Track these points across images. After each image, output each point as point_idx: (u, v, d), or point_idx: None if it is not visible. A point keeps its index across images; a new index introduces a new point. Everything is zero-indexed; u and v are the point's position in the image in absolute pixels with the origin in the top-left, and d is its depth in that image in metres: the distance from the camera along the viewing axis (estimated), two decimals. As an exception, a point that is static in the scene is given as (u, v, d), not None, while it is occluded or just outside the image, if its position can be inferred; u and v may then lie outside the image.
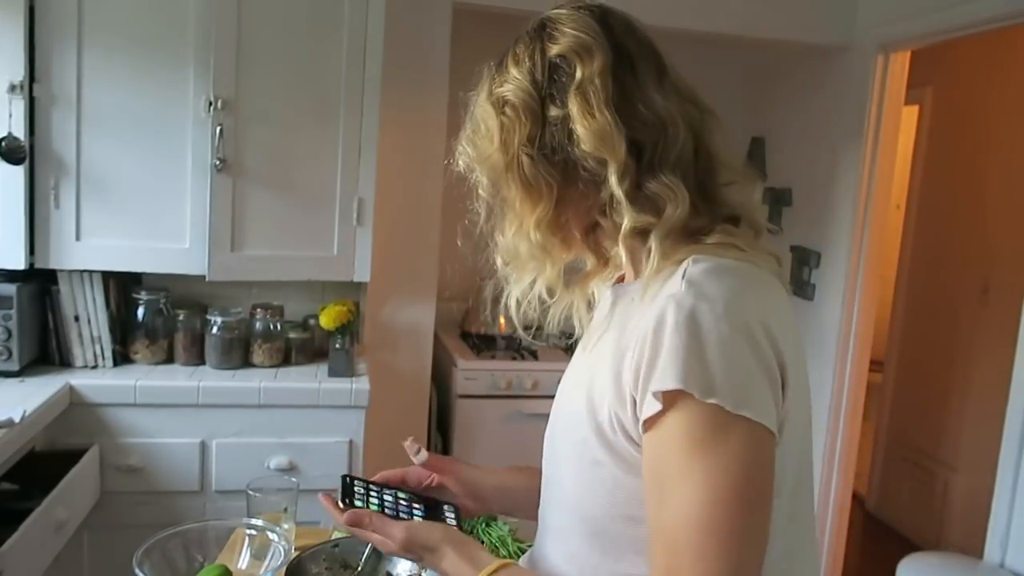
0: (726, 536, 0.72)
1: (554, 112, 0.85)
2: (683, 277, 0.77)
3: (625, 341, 0.81)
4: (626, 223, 0.84)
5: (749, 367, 0.74)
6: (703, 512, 0.72)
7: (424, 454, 1.09)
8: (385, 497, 1.02)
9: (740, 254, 0.82)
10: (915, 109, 3.81)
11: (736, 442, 0.73)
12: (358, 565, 1.22)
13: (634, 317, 0.82)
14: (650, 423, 0.76)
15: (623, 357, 0.80)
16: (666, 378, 0.73)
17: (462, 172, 0.93)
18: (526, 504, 1.07)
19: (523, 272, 0.94)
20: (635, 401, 0.78)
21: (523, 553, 1.12)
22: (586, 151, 0.83)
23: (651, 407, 0.75)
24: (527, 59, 0.87)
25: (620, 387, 0.79)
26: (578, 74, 0.84)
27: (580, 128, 0.83)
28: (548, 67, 0.86)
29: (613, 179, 0.83)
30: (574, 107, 0.83)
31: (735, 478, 0.73)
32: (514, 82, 0.87)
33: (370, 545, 1.21)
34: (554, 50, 0.86)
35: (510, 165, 0.87)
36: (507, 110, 0.87)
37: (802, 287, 3.12)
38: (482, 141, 0.89)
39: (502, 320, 1.01)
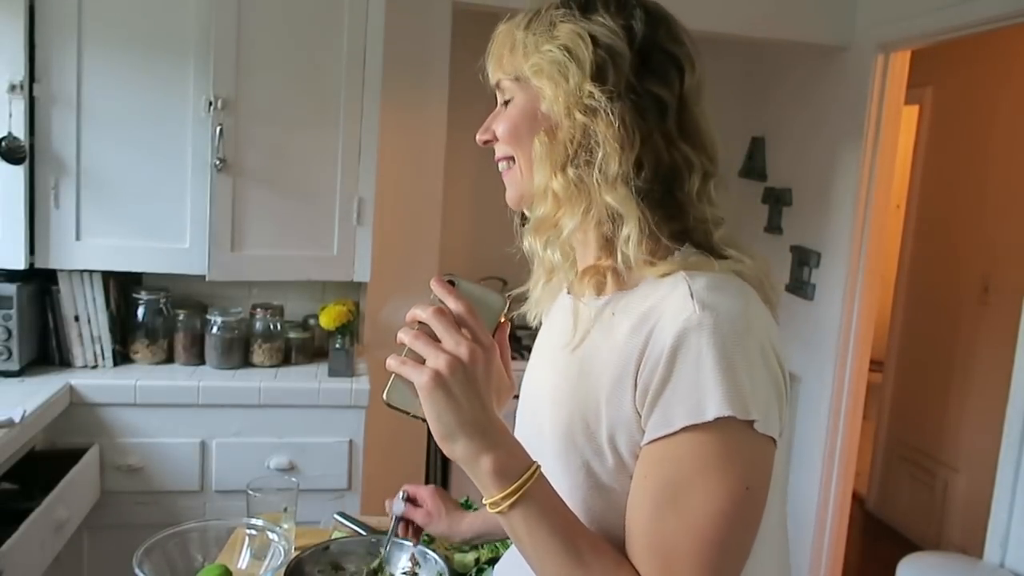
0: (729, 549, 0.74)
1: (657, 88, 0.84)
2: (692, 296, 0.75)
3: (618, 359, 0.79)
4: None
5: (767, 383, 0.75)
6: (715, 524, 0.73)
7: (400, 505, 1.22)
8: None
9: (725, 263, 0.81)
10: (915, 109, 3.81)
11: (759, 458, 0.75)
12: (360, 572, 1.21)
13: (618, 332, 0.80)
14: (671, 437, 0.74)
15: (621, 379, 0.78)
16: (707, 405, 0.72)
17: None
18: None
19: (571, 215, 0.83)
20: (641, 419, 0.76)
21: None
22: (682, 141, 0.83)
23: (670, 425, 0.73)
24: (620, 14, 0.85)
25: (622, 409, 0.78)
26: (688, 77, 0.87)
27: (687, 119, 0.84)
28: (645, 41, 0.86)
29: (696, 178, 0.83)
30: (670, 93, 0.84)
31: (753, 493, 0.75)
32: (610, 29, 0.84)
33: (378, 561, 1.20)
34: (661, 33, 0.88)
35: (612, 101, 0.81)
36: (602, 51, 0.83)
37: (802, 287, 3.12)
38: (574, 72, 0.82)
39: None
